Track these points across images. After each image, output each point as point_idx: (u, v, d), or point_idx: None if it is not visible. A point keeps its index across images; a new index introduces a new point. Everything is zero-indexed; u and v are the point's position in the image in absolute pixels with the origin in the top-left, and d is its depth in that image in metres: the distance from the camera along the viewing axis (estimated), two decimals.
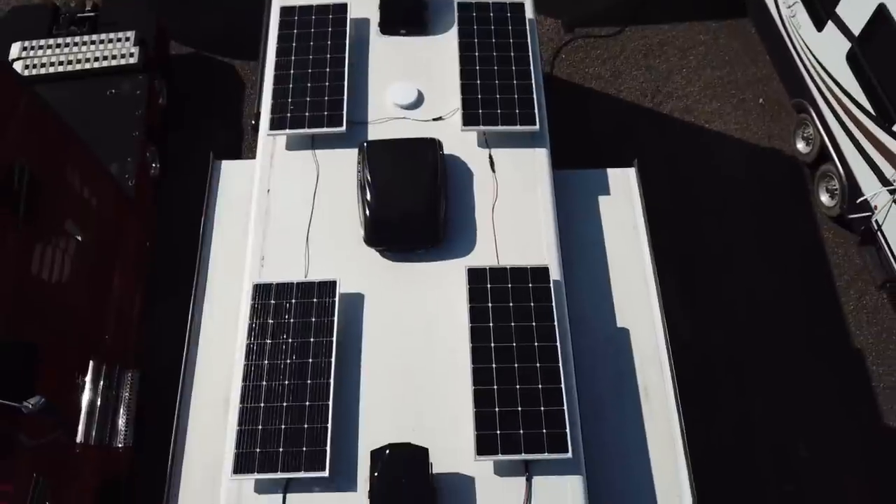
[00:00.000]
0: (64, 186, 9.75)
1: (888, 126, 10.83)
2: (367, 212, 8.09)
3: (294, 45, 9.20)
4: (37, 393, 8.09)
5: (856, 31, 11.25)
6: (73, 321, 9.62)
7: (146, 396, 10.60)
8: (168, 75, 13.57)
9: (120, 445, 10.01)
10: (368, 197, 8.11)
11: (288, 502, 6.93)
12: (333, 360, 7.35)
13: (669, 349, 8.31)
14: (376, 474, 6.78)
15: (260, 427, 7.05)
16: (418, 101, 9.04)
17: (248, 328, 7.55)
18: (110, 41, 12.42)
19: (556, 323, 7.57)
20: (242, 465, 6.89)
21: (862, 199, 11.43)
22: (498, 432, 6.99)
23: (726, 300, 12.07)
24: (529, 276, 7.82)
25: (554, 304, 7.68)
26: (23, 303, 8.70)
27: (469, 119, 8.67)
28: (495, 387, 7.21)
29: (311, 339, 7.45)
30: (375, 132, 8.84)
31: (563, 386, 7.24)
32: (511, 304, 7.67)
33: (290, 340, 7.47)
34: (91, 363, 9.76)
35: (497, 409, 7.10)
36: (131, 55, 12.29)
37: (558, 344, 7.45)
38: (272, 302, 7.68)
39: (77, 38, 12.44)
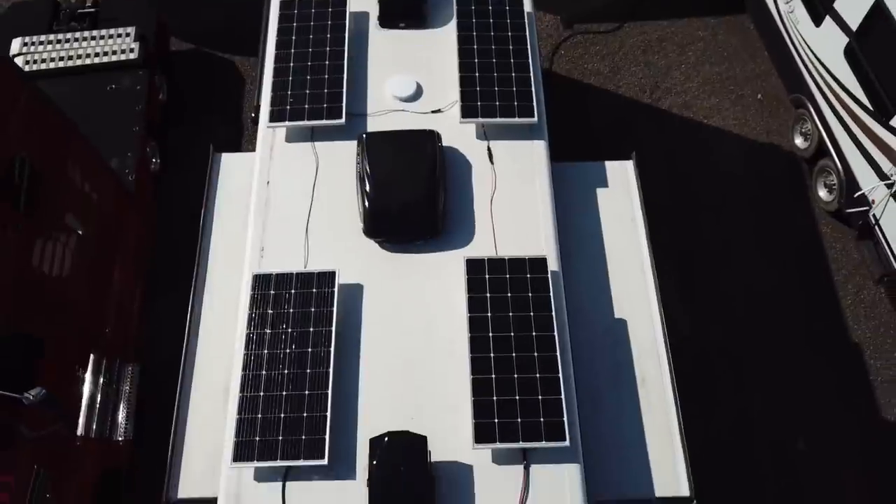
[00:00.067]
0: (65, 180, 9.79)
1: (885, 121, 10.86)
2: (367, 203, 8.12)
3: (294, 38, 9.24)
4: (37, 385, 8.14)
5: (853, 26, 11.29)
6: (74, 315, 9.66)
7: (146, 390, 10.64)
8: (168, 71, 13.61)
9: (120, 439, 10.05)
10: (367, 188, 8.15)
11: (287, 490, 6.98)
12: (333, 349, 7.39)
13: (667, 340, 8.35)
14: (375, 462, 6.82)
15: (259, 415, 7.09)
16: (417, 94, 9.08)
17: (248, 318, 7.59)
18: (110, 37, 12.45)
19: (553, 313, 7.61)
20: (242, 453, 6.93)
21: (859, 193, 11.46)
22: (496, 421, 7.03)
23: (725, 295, 12.10)
24: (527, 266, 7.86)
25: (552, 294, 7.72)
26: (23, 296, 8.73)
27: (467, 111, 8.71)
28: (493, 376, 7.25)
29: (311, 329, 7.49)
30: (374, 124, 8.88)
31: (560, 375, 7.28)
32: (509, 295, 7.70)
33: (289, 330, 7.50)
34: (91, 357, 9.80)
35: (495, 398, 7.13)
36: (131, 51, 12.33)
37: (556, 334, 7.49)
38: (272, 292, 7.72)
39: (77, 34, 12.47)
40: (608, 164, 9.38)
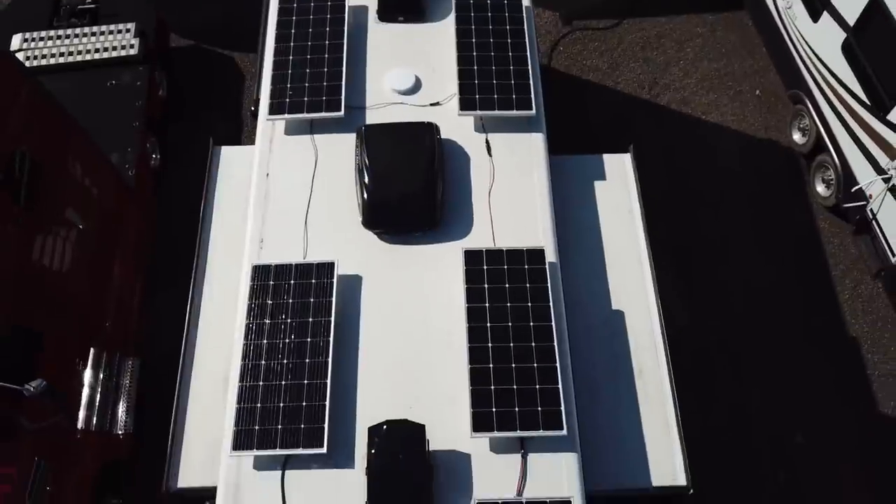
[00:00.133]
0: (65, 175, 9.82)
1: (883, 115, 10.90)
2: (365, 195, 8.16)
3: (293, 31, 9.28)
4: (38, 378, 8.18)
5: (851, 21, 11.32)
6: (74, 309, 9.69)
7: (146, 384, 10.67)
8: (168, 67, 13.65)
9: (120, 432, 10.08)
10: (366, 180, 8.19)
11: (286, 479, 7.02)
12: (332, 339, 7.43)
13: (664, 331, 8.39)
14: (373, 451, 6.86)
15: (259, 405, 7.13)
16: (416, 87, 9.12)
17: (248, 308, 7.63)
18: (111, 33, 12.49)
19: (551, 303, 7.65)
20: (242, 441, 6.97)
21: (857, 188, 11.50)
22: (494, 410, 7.07)
23: (723, 290, 12.13)
24: (525, 257, 7.90)
25: (549, 285, 7.76)
26: (23, 290, 8.76)
27: (466, 104, 8.75)
28: (491, 365, 7.29)
29: (310, 319, 7.53)
30: (373, 117, 8.93)
31: (558, 365, 7.32)
32: (507, 285, 7.75)
33: (288, 320, 7.54)
34: (91, 351, 9.83)
35: (493, 387, 7.17)
36: (132, 47, 12.37)
37: (553, 324, 7.53)
38: (271, 283, 7.76)
39: (77, 30, 12.51)
40: (606, 156, 9.43)
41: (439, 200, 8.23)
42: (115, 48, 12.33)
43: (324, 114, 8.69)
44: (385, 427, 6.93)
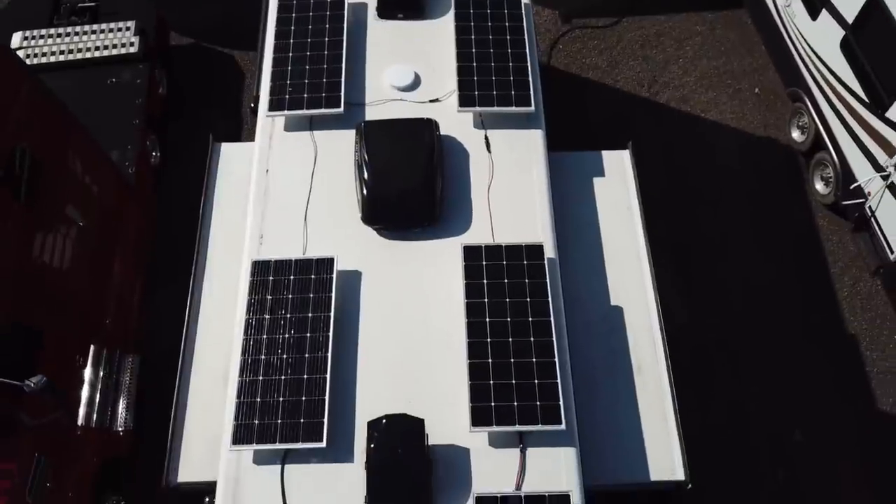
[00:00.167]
0: (65, 172, 9.84)
1: (881, 113, 10.92)
2: (365, 191, 8.19)
3: (293, 28, 9.31)
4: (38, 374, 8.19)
5: (849, 19, 11.34)
6: (74, 305, 9.71)
7: (146, 381, 10.69)
8: (168, 65, 13.68)
9: (120, 429, 10.10)
10: (366, 176, 8.21)
11: (286, 473, 7.04)
12: (331, 334, 7.45)
13: (663, 327, 8.41)
14: (373, 445, 6.88)
15: (258, 399, 7.15)
16: (415, 84, 9.15)
17: (247, 303, 7.66)
18: (111, 31, 12.52)
19: (550, 299, 7.68)
20: (241, 435, 6.99)
21: (855, 185, 11.52)
22: (492, 404, 7.09)
23: (722, 288, 12.15)
24: (524, 253, 7.93)
25: (548, 280, 7.79)
26: (23, 286, 8.78)
27: (465, 100, 8.78)
28: (490, 360, 7.31)
29: (310, 315, 7.55)
30: (372, 114, 8.95)
31: (556, 359, 7.34)
32: (506, 281, 7.77)
33: (288, 315, 7.57)
34: (92, 347, 9.85)
35: (492, 382, 7.20)
36: (132, 45, 12.39)
37: (552, 319, 7.55)
38: (271, 278, 7.78)
39: (78, 28, 12.54)
40: (605, 153, 9.47)
41: (438, 196, 8.25)
42: (115, 46, 12.36)
43: (323, 110, 8.72)
44: (384, 421, 6.96)
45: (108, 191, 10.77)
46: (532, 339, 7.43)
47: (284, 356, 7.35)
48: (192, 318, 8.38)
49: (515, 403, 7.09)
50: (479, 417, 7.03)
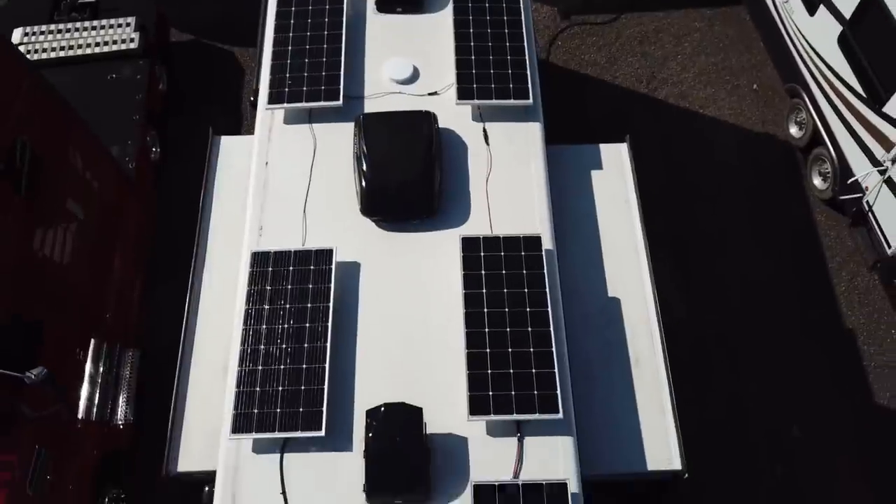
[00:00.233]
0: (66, 166, 9.88)
1: (878, 108, 10.96)
2: (364, 183, 8.22)
3: (292, 21, 9.35)
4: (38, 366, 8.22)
5: (847, 14, 11.39)
6: (74, 299, 9.74)
7: (146, 375, 10.72)
8: (168, 61, 13.72)
9: (120, 422, 10.13)
10: (364, 168, 8.25)
11: (285, 461, 7.07)
12: (330, 324, 7.49)
13: (660, 319, 8.44)
14: (371, 434, 6.90)
15: (258, 389, 7.19)
16: (414, 77, 9.18)
17: (247, 294, 7.69)
18: (111, 27, 12.56)
19: (547, 290, 7.71)
20: (241, 424, 7.02)
21: (853, 179, 11.56)
22: (490, 393, 7.13)
23: (720, 284, 12.18)
24: (522, 244, 7.96)
25: (546, 271, 7.82)
26: (24, 280, 8.81)
27: (464, 93, 8.82)
28: (488, 350, 7.35)
29: (309, 305, 7.59)
30: (371, 107, 8.99)
31: (554, 349, 7.37)
32: (504, 272, 7.80)
33: (287, 306, 7.60)
34: (92, 341, 9.89)
35: (489, 371, 7.23)
36: (132, 41, 12.44)
37: (549, 309, 7.58)
38: (270, 269, 7.82)
39: (78, 24, 12.58)
40: (602, 146, 9.50)
41: (437, 188, 8.28)
42: (115, 42, 12.41)
43: (322, 103, 8.75)
44: (382, 410, 6.99)
45: (109, 186, 10.81)
46: (530, 329, 7.46)
47: (284, 346, 7.39)
48: (191, 309, 8.42)
49: (513, 393, 7.13)
50: (477, 406, 7.06)
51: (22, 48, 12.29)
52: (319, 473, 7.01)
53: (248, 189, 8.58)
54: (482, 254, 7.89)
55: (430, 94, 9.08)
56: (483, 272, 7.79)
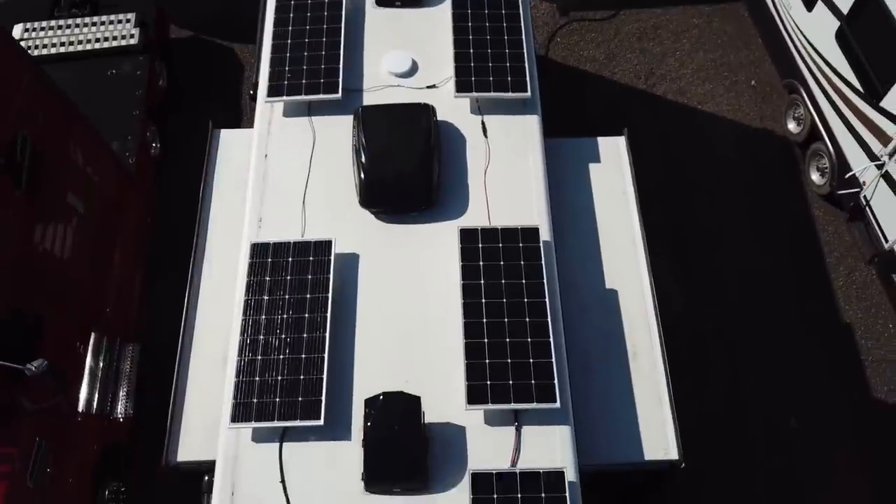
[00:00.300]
0: (66, 161, 9.90)
1: (876, 102, 10.99)
2: (362, 175, 8.26)
3: (292, 15, 9.38)
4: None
5: (844, 10, 11.43)
6: (75, 293, 9.77)
7: (146, 370, 10.75)
8: (168, 57, 13.75)
9: (120, 416, 10.16)
10: (363, 160, 8.29)
11: (284, 450, 7.11)
12: (329, 314, 7.52)
13: (657, 311, 8.48)
14: (370, 423, 6.94)
15: (257, 378, 7.22)
16: (412, 70, 9.22)
17: (246, 285, 7.73)
18: (111, 23, 12.59)
19: (545, 280, 7.75)
20: (240, 413, 7.06)
21: (850, 174, 11.60)
22: (488, 383, 7.16)
23: (719, 278, 12.21)
24: (520, 236, 8.00)
25: (543, 262, 7.86)
26: (24, 274, 8.83)
27: (462, 86, 8.85)
28: (486, 340, 7.38)
29: (308, 296, 7.63)
30: (370, 100, 9.03)
31: (551, 339, 7.41)
32: (502, 263, 7.84)
33: (286, 296, 7.64)
34: (92, 336, 9.91)
35: (487, 361, 7.27)
36: (132, 36, 12.46)
37: (547, 300, 7.62)
38: (269, 260, 7.86)
39: (78, 20, 12.61)
40: (601, 139, 9.54)
41: (435, 180, 8.32)
42: (115, 38, 12.43)
43: (321, 96, 8.79)
44: (381, 399, 7.02)
45: (109, 180, 10.84)
46: (527, 319, 7.50)
47: (283, 336, 7.42)
48: (191, 301, 8.46)
49: (511, 382, 7.17)
50: (475, 396, 7.10)
51: (22, 44, 12.30)
52: (318, 462, 7.05)
53: (248, 181, 8.61)
54: (480, 245, 7.93)
55: (428, 87, 9.12)
56: (481, 263, 7.83)
